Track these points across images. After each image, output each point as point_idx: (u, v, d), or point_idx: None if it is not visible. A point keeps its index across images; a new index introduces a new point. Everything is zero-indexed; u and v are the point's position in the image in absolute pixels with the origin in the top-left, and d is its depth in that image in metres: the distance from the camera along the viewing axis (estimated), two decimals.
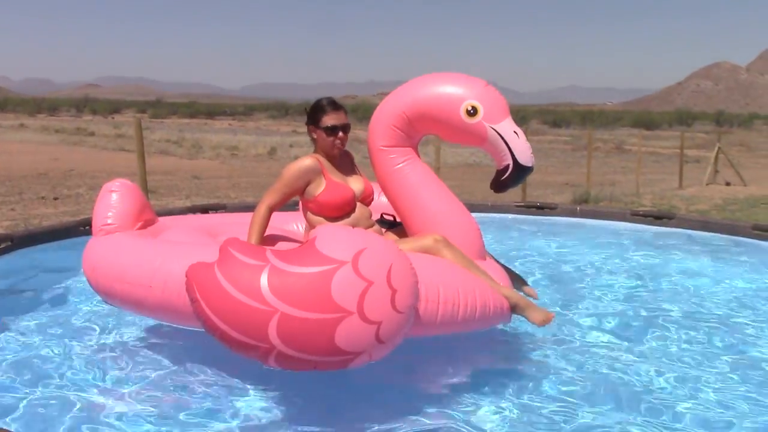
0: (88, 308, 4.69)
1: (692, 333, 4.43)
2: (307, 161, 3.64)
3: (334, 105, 3.74)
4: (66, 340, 4.08)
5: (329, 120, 3.67)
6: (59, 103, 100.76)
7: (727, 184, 17.36)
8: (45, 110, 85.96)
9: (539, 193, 14.42)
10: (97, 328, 4.32)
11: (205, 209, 7.36)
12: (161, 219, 4.35)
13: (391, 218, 4.12)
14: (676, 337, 4.35)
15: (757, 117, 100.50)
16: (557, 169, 23.48)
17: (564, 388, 3.54)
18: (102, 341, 4.12)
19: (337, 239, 2.89)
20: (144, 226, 4.01)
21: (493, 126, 3.68)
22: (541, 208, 8.52)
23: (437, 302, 3.20)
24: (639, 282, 5.69)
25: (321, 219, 3.68)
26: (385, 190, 3.96)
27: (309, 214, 3.75)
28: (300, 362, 2.77)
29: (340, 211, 3.67)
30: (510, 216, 8.35)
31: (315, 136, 3.74)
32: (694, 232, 7.53)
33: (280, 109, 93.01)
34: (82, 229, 6.20)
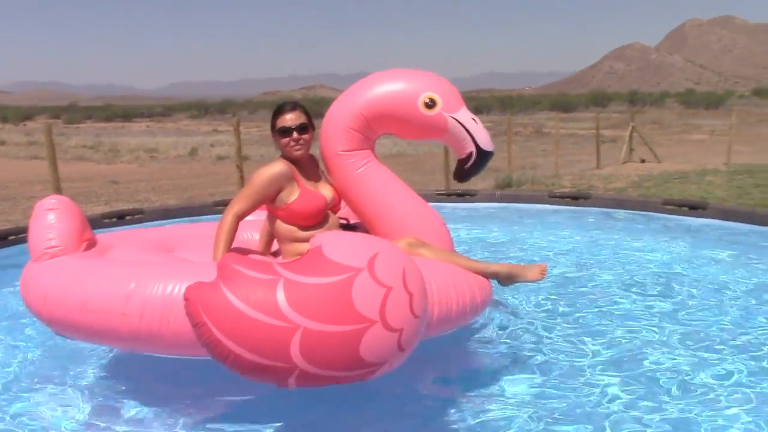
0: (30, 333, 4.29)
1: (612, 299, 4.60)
2: (279, 166, 3.44)
3: (289, 106, 3.54)
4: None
5: (282, 122, 3.48)
6: None
7: (642, 161, 17.91)
8: None
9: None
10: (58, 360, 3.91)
11: (121, 215, 7.15)
12: (99, 236, 3.95)
13: (346, 221, 3.94)
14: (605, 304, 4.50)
15: (668, 95, 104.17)
16: None
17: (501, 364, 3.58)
18: (66, 379, 3.69)
19: (346, 245, 2.73)
20: (89, 247, 3.61)
21: (452, 115, 3.63)
22: (462, 195, 8.63)
23: (434, 303, 3.13)
24: (563, 259, 5.84)
25: (292, 228, 3.48)
26: (345, 196, 3.77)
27: (278, 222, 3.52)
28: (322, 380, 2.59)
29: (313, 220, 3.49)
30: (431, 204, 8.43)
31: (276, 142, 3.56)
32: (610, 210, 7.84)
33: (199, 109, 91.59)
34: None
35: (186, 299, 2.57)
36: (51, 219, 3.49)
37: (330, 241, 2.75)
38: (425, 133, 3.77)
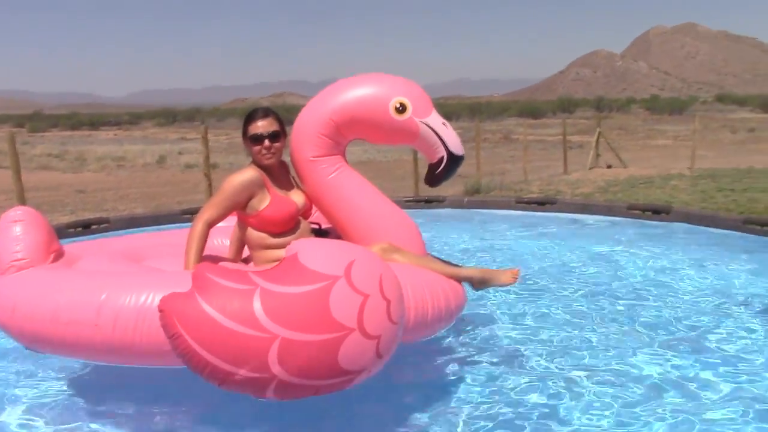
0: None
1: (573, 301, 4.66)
2: (250, 173, 3.40)
3: (261, 112, 3.49)
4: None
5: (254, 129, 3.43)
6: None
7: (609, 166, 18.10)
8: None
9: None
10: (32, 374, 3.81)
11: (86, 224, 7.08)
12: (65, 246, 3.84)
13: (317, 226, 3.87)
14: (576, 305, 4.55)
15: (633, 101, 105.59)
16: None
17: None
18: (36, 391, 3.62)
19: (322, 253, 2.71)
20: (56, 258, 3.51)
21: (423, 120, 3.62)
22: (430, 202, 8.68)
23: (410, 309, 3.09)
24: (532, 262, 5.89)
25: (263, 236, 3.44)
26: (317, 202, 3.74)
27: (249, 230, 3.47)
28: (301, 389, 2.57)
29: (284, 227, 3.45)
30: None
31: (248, 149, 3.50)
32: (576, 215, 7.95)
33: (167, 116, 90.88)
34: None
35: (161, 310, 2.54)
36: (17, 231, 3.40)
37: (306, 248, 2.73)
38: (396, 138, 3.76)
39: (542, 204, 8.39)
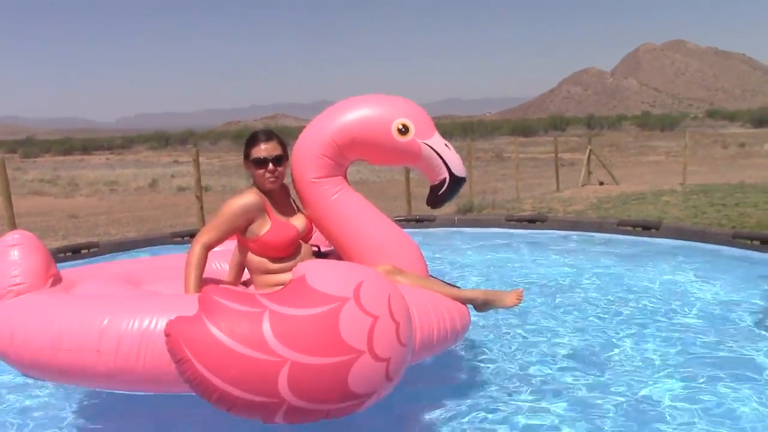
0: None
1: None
2: (250, 197, 3.33)
3: (264, 135, 3.44)
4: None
5: (257, 152, 3.37)
6: None
7: (601, 183, 18.18)
8: None
9: (425, 205, 14.65)
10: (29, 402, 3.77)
11: (76, 249, 7.05)
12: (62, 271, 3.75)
13: (317, 248, 3.79)
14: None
15: (624, 118, 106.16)
16: None
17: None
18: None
19: (330, 274, 2.67)
20: (55, 283, 3.41)
21: (425, 141, 3.59)
22: (421, 221, 8.68)
23: (416, 330, 3.03)
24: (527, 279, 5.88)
25: (264, 260, 3.37)
26: (318, 224, 3.68)
27: (250, 254, 3.40)
28: (311, 414, 2.52)
29: (285, 252, 3.37)
30: None
31: (249, 172, 3.44)
32: (567, 232, 7.96)
33: (159, 140, 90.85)
34: None
35: (167, 334, 2.47)
36: (15, 255, 3.31)
37: (314, 270, 2.69)
38: (398, 159, 3.72)
39: (533, 221, 8.40)
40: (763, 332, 4.47)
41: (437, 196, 3.72)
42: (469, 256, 7.05)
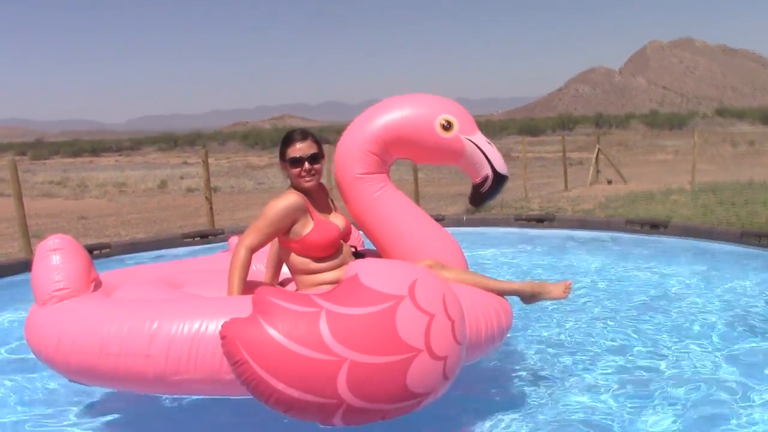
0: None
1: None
2: (292, 198, 3.29)
3: (299, 134, 3.42)
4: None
5: (292, 151, 3.35)
6: None
7: (609, 182, 18.14)
8: None
9: (434, 205, 14.64)
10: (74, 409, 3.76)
11: (89, 250, 7.08)
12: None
13: (353, 249, 3.74)
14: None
15: (632, 117, 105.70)
16: (450, 180, 23.96)
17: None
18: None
19: (383, 272, 2.67)
20: (96, 287, 3.36)
21: (469, 138, 3.61)
22: None
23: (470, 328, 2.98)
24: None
25: (306, 260, 3.32)
26: (360, 220, 3.69)
27: (292, 255, 3.36)
28: (369, 414, 2.49)
29: (327, 251, 3.33)
30: None
31: (286, 172, 3.43)
32: (575, 231, 7.97)
33: (168, 141, 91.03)
34: None
35: (223, 336, 2.46)
36: (57, 260, 3.25)
37: (366, 268, 2.69)
38: (442, 157, 3.72)
39: (541, 221, 8.41)
40: None
41: (480, 194, 3.72)
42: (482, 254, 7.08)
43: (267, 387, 2.40)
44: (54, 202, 22.55)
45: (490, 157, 3.63)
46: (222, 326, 2.50)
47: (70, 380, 3.18)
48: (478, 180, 3.68)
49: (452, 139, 3.60)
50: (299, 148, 3.35)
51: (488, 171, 3.64)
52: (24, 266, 6.97)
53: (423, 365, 2.52)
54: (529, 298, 3.63)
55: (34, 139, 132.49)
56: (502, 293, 3.52)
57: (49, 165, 56.50)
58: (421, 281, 2.65)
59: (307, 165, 3.34)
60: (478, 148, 3.62)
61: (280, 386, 2.39)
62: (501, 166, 3.66)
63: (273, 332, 2.42)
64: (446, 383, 2.67)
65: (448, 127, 3.57)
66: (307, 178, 3.35)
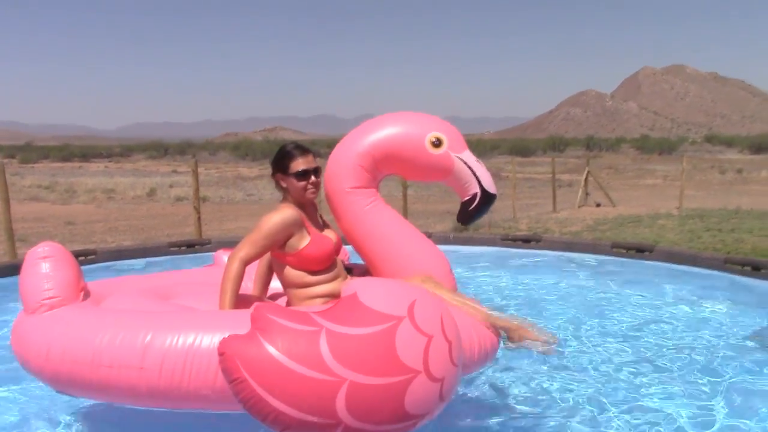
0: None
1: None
2: (289, 212, 3.28)
3: (302, 149, 3.43)
4: None
5: (298, 165, 3.34)
6: None
7: (598, 205, 18.23)
8: None
9: (422, 222, 14.66)
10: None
11: (75, 255, 7.04)
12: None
13: (342, 262, 3.70)
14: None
15: (623, 141, 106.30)
16: (439, 198, 24.02)
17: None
18: None
19: (382, 292, 2.65)
20: (85, 296, 3.29)
21: (458, 155, 3.64)
22: None
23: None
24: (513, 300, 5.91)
25: (302, 274, 3.31)
26: (350, 234, 3.70)
27: (287, 268, 3.34)
28: None
29: (323, 265, 3.34)
30: None
31: (285, 185, 3.40)
32: (561, 253, 8.00)
33: (159, 149, 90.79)
34: None
35: (221, 353, 2.41)
36: (46, 268, 3.20)
37: (365, 287, 2.67)
38: (431, 174, 3.75)
39: (527, 241, 8.43)
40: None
41: (468, 212, 3.74)
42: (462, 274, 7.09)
43: (265, 406, 2.36)
44: (41, 206, 22.44)
45: (478, 175, 3.66)
46: (220, 343, 2.46)
47: (57, 391, 3.12)
48: (466, 197, 3.70)
49: (441, 156, 3.63)
50: (303, 162, 3.36)
51: (476, 189, 3.67)
52: (8, 270, 6.90)
53: (421, 387, 2.50)
54: (512, 336, 3.42)
55: (24, 142, 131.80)
56: (487, 322, 3.41)
57: (38, 169, 56.21)
58: (420, 302, 2.64)
59: (313, 178, 3.37)
60: (467, 165, 3.65)
61: (278, 405, 2.35)
62: (489, 185, 3.69)
63: (273, 350, 2.38)
64: (442, 405, 2.66)
65: (437, 143, 3.61)
66: (311, 191, 3.37)
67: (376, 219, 3.65)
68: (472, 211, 3.71)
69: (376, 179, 3.74)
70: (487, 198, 3.68)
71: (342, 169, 3.66)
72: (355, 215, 3.65)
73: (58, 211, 20.64)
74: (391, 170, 3.77)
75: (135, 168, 59.28)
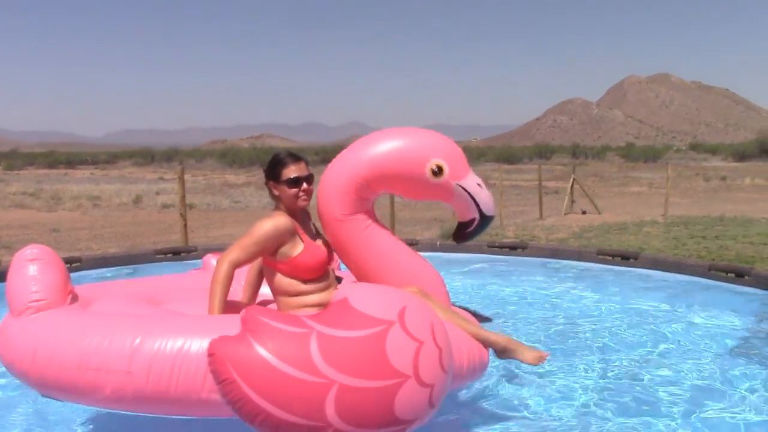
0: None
1: None
2: (282, 220, 3.26)
3: (293, 156, 3.43)
4: None
5: (291, 172, 3.34)
6: None
7: (583, 212, 18.32)
8: None
9: (409, 229, 14.68)
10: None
11: None
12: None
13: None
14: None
15: (608, 149, 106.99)
16: (426, 206, 24.03)
17: None
18: None
19: (373, 297, 2.66)
20: (73, 300, 3.26)
21: (459, 183, 3.59)
22: None
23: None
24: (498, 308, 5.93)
25: (294, 282, 3.27)
26: (345, 257, 3.68)
27: (278, 276, 3.30)
28: None
29: (315, 273, 3.30)
30: None
31: (277, 192, 3.39)
32: (547, 259, 8.04)
33: (145, 156, 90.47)
34: None
35: (211, 354, 2.41)
36: (33, 270, 3.15)
37: (356, 292, 2.68)
38: (429, 196, 3.72)
39: (514, 248, 8.47)
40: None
41: (464, 233, 3.75)
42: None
43: (254, 408, 2.36)
44: (26, 213, 22.30)
45: (478, 201, 3.64)
46: (210, 344, 2.45)
47: (42, 395, 3.08)
48: (464, 220, 3.71)
49: (442, 184, 3.59)
50: (296, 169, 3.36)
51: (475, 214, 3.67)
52: None
53: (410, 392, 2.51)
54: (501, 352, 3.50)
55: (9, 149, 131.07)
56: (477, 339, 3.45)
57: (23, 175, 55.89)
58: (410, 308, 2.65)
59: (305, 185, 3.36)
60: (467, 192, 3.63)
61: (267, 407, 2.35)
62: (489, 209, 3.67)
63: (263, 352, 2.38)
64: (431, 411, 2.66)
65: (438, 172, 3.55)
66: (304, 198, 3.37)
67: (372, 243, 3.61)
68: (469, 233, 3.73)
69: (369, 201, 3.70)
70: (485, 221, 3.69)
71: (333, 196, 3.61)
72: (350, 241, 3.61)
73: (43, 218, 20.52)
74: (387, 191, 3.75)
75: (121, 175, 59.03)
